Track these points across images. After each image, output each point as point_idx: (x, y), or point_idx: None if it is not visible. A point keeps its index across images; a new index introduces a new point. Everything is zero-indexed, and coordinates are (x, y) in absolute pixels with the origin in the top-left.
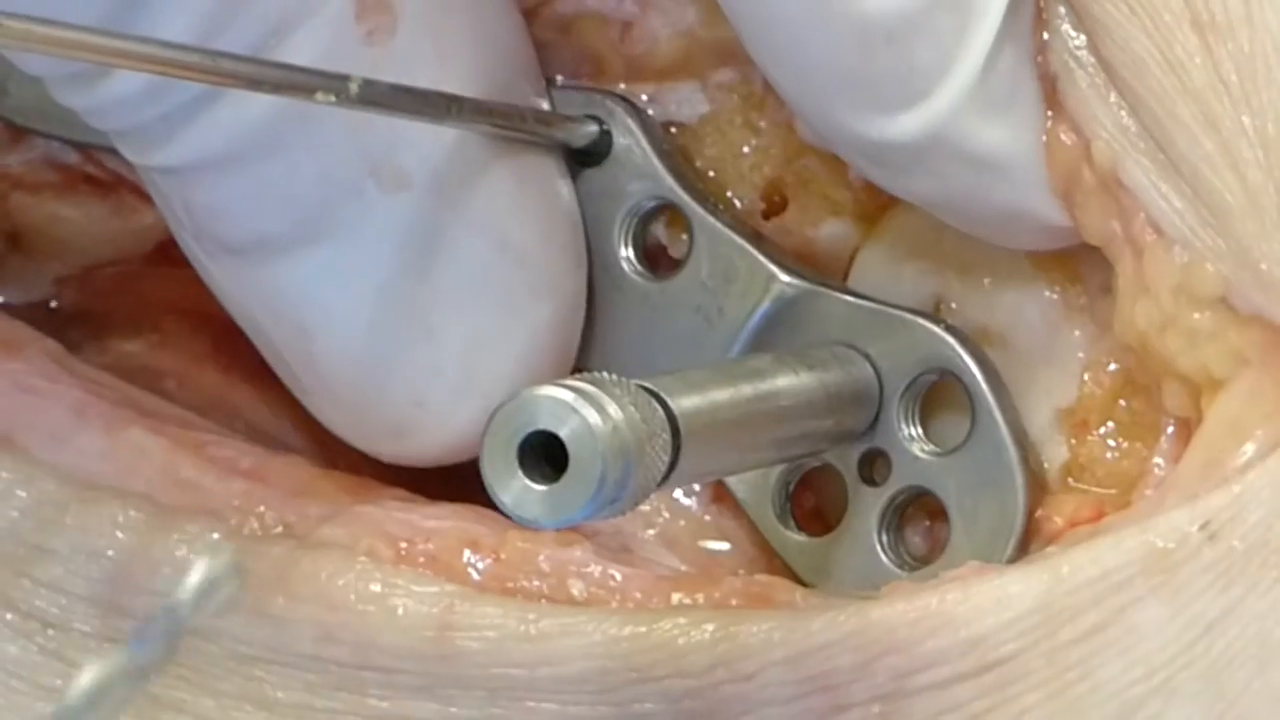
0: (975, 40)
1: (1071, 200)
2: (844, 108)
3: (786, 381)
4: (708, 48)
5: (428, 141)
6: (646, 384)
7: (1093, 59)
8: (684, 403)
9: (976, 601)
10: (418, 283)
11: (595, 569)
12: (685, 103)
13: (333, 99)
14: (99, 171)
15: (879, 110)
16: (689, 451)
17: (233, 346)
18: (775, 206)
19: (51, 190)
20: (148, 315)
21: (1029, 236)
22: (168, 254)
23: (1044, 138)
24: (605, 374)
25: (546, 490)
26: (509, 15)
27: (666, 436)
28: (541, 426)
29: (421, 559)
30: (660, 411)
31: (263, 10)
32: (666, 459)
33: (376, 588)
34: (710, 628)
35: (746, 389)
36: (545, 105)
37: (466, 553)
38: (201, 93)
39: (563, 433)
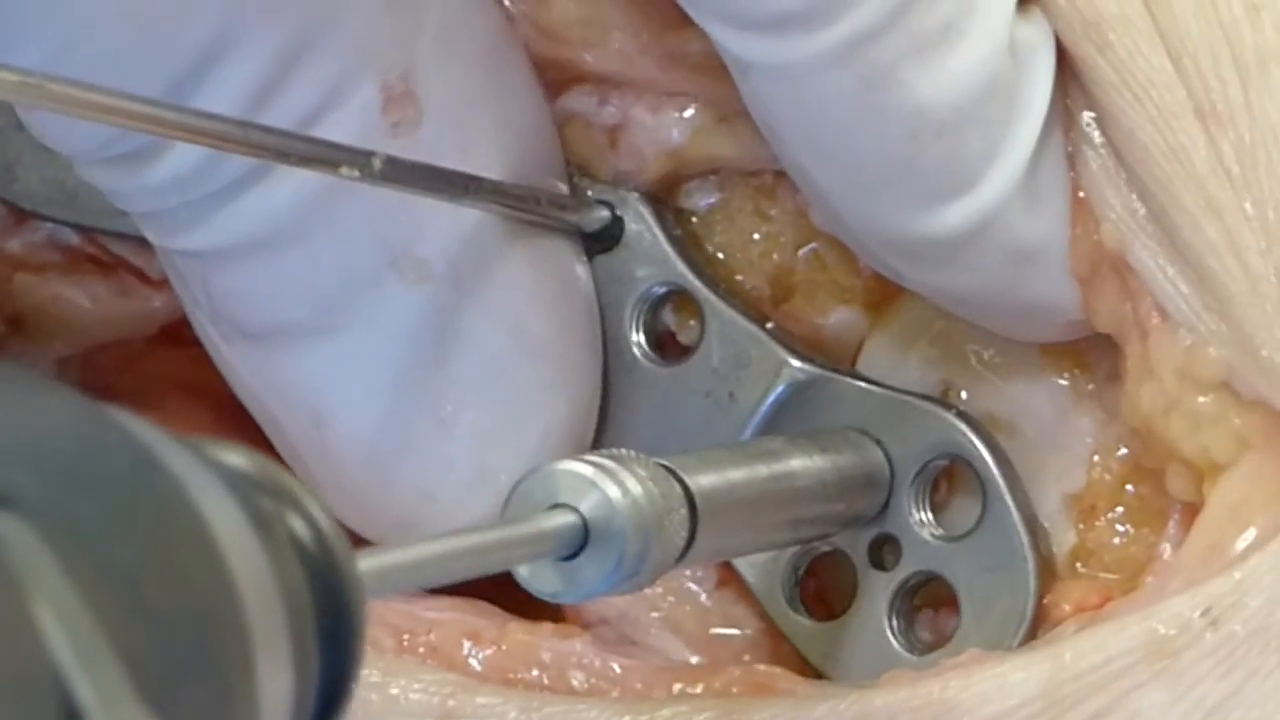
0: (1023, 129)
1: (1090, 286)
2: (888, 202)
3: (801, 463)
4: (697, 161)
5: (448, 232)
6: (664, 461)
7: (1103, 140)
8: (701, 480)
9: (979, 689)
10: (433, 373)
11: (595, 660)
12: (696, 191)
13: (356, 174)
14: (101, 254)
15: (924, 203)
16: (706, 528)
17: (235, 420)
18: (784, 293)
19: (55, 270)
20: (152, 392)
21: (1047, 330)
22: (171, 335)
23: (1070, 223)
24: (623, 450)
25: (566, 564)
26: (536, 105)
27: (684, 512)
28: (561, 500)
29: (422, 649)
30: (678, 488)
31: (290, 102)
32: (684, 535)
33: (378, 677)
34: (710, 715)
35: (762, 469)
36: (565, 191)
37: (467, 644)
38: (231, 181)
39: (583, 507)
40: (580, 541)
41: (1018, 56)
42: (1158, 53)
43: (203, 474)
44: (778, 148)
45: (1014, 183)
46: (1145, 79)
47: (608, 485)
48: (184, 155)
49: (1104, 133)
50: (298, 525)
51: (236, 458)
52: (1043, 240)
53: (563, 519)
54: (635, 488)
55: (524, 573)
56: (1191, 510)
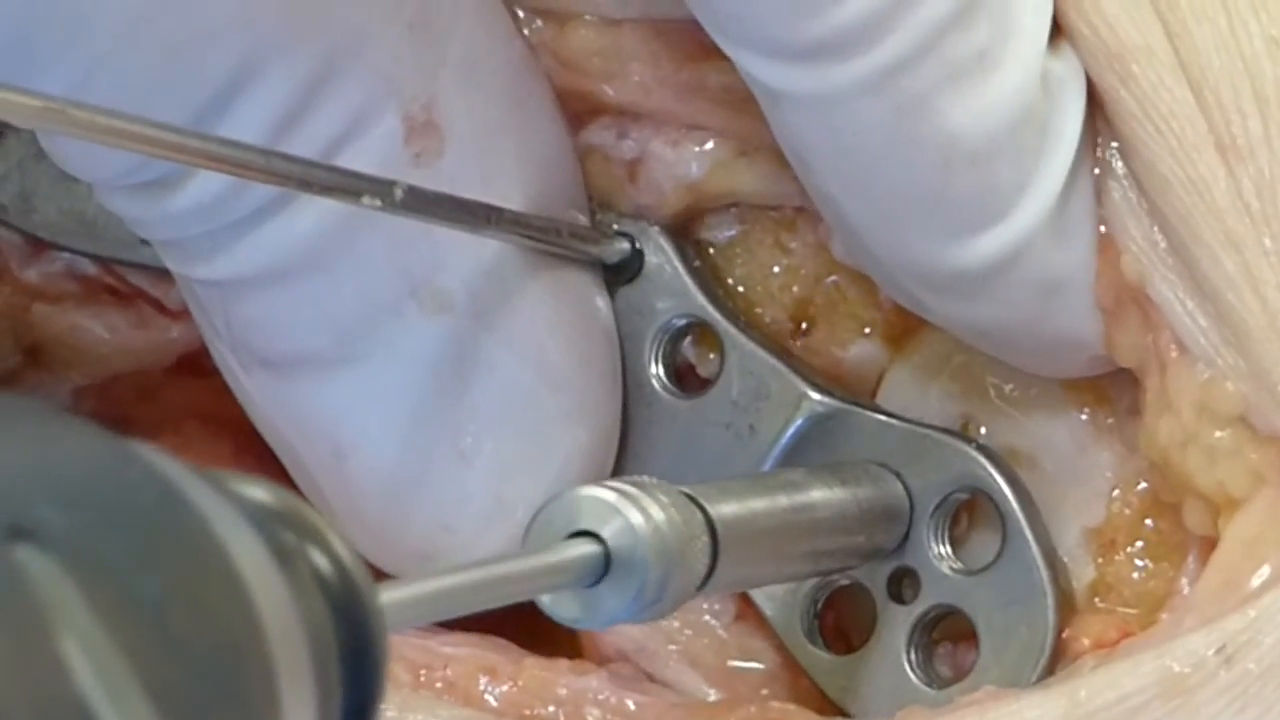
0: (1055, 160)
1: (1115, 318)
2: (918, 232)
3: (821, 495)
4: (716, 195)
5: (469, 262)
6: (686, 489)
7: (1125, 171)
8: (723, 509)
9: None
10: (453, 404)
11: (611, 697)
12: (716, 223)
13: (378, 203)
14: (119, 284)
15: (954, 233)
16: (727, 557)
17: (254, 450)
18: (804, 326)
19: (73, 301)
20: (169, 421)
21: (1069, 365)
22: (189, 365)
23: (1095, 254)
24: (646, 477)
25: (588, 591)
26: (558, 136)
27: (706, 540)
28: (584, 527)
29: (439, 684)
30: (700, 515)
31: (314, 131)
32: (706, 563)
33: (394, 712)
34: None
35: (782, 499)
36: (586, 223)
37: (483, 680)
38: (253, 209)
39: (605, 533)
40: (602, 568)
41: (1049, 89)
42: (1180, 85)
43: (225, 508)
44: (806, 178)
45: (1045, 213)
46: (1167, 111)
47: (630, 511)
48: (206, 183)
49: (1126, 164)
50: (320, 559)
51: (258, 492)
52: (1070, 272)
53: (584, 549)
54: (658, 514)
55: (545, 599)
56: (1210, 545)
